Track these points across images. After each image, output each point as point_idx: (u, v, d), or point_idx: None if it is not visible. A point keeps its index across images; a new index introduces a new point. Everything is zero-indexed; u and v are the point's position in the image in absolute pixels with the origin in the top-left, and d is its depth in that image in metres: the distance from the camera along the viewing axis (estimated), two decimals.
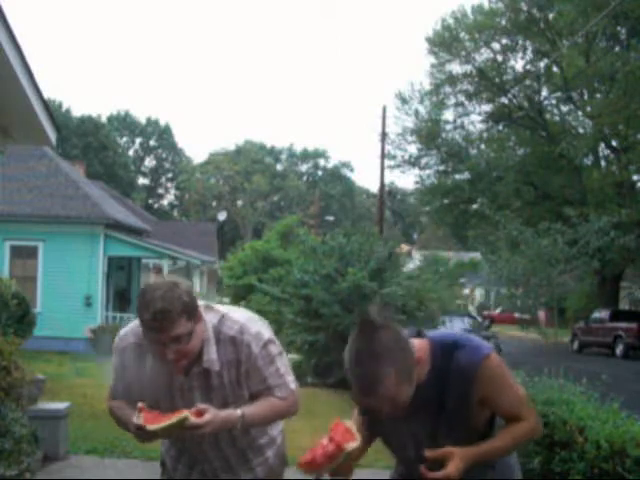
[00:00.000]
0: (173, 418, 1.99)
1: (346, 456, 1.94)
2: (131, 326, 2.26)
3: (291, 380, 2.26)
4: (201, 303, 2.21)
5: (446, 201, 31.37)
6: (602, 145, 27.29)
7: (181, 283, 2.05)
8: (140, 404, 2.06)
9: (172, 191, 75.26)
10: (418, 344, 1.93)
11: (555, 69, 27.41)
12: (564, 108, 29.39)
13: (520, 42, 28.96)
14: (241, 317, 2.21)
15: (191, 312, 2.03)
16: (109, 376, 2.35)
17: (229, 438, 2.26)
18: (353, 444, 1.94)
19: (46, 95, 6.53)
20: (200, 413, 2.01)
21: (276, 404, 2.19)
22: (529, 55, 29.51)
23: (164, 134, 72.94)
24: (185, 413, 1.99)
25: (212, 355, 2.13)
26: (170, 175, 74.61)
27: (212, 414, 2.02)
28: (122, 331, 2.28)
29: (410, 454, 2.05)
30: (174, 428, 2.00)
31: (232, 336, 2.15)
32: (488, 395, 1.94)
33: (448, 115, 31.43)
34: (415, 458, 1.99)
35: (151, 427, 1.99)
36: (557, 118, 29.54)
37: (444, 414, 1.96)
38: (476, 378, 1.91)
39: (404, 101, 30.79)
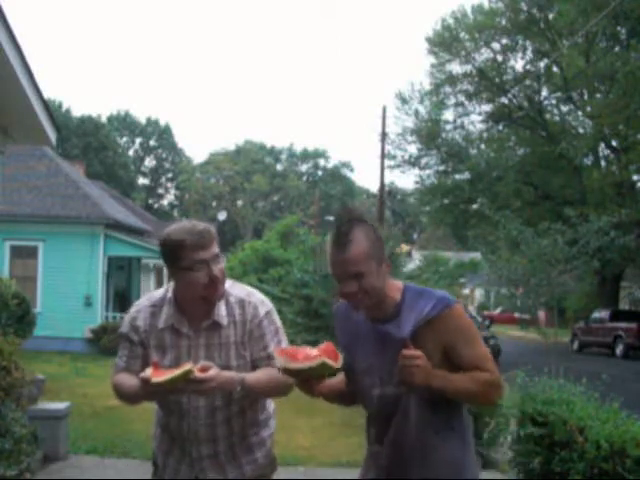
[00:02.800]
0: (178, 371, 2.05)
1: (321, 365, 1.97)
2: (145, 297, 2.41)
3: None
4: None
5: (446, 201, 31.33)
6: (602, 145, 27.27)
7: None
8: (154, 358, 2.19)
9: (172, 191, 75.37)
10: (394, 282, 2.11)
11: (555, 69, 27.39)
12: (564, 108, 29.39)
13: (520, 42, 28.94)
14: (248, 287, 2.44)
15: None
16: (111, 375, 2.39)
17: (224, 415, 2.31)
18: (333, 362, 1.99)
19: (46, 95, 6.53)
20: (204, 369, 2.10)
21: (275, 375, 2.23)
22: (529, 55, 29.52)
23: (164, 134, 72.95)
24: (189, 366, 2.06)
25: (221, 312, 2.29)
26: (170, 175, 74.62)
27: (216, 370, 2.12)
28: (135, 303, 2.42)
29: (375, 394, 2.10)
30: (179, 381, 2.04)
31: (241, 298, 2.33)
32: (451, 344, 1.99)
33: (448, 115, 31.54)
34: (379, 396, 2.07)
35: (156, 380, 2.03)
36: (557, 118, 29.52)
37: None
38: (437, 323, 1.97)
39: (404, 101, 30.79)
